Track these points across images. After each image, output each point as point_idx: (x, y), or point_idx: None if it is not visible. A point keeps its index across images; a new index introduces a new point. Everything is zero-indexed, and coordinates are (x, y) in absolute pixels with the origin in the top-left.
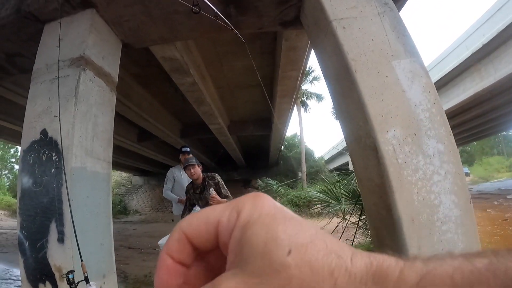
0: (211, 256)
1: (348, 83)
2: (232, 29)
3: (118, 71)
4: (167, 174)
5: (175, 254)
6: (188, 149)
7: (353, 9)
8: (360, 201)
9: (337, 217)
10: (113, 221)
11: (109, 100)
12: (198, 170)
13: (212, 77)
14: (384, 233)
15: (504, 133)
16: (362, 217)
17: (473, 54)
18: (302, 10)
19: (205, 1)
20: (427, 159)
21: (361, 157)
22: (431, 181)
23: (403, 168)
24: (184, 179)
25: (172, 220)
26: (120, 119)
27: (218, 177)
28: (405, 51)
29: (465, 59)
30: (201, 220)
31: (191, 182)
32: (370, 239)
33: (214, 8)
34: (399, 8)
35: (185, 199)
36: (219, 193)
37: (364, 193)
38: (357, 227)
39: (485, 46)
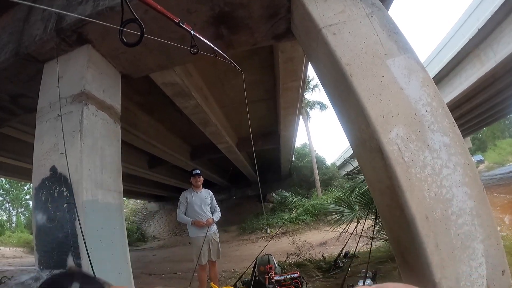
0: None
1: (345, 88)
2: (231, 62)
3: (121, 102)
4: (179, 198)
5: None
6: (198, 171)
7: (341, 14)
8: (373, 204)
9: (354, 222)
10: (132, 249)
11: (114, 131)
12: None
13: (215, 97)
14: (400, 233)
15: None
16: (378, 220)
17: (470, 41)
18: (292, 21)
19: (201, 38)
20: (434, 153)
21: (368, 160)
22: (440, 175)
23: (411, 166)
24: (196, 201)
25: (190, 243)
26: (129, 148)
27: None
28: (398, 48)
29: (463, 47)
30: None
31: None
32: (387, 242)
33: (213, 46)
34: (387, 7)
35: (199, 221)
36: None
37: (376, 195)
38: (373, 231)
39: (480, 30)
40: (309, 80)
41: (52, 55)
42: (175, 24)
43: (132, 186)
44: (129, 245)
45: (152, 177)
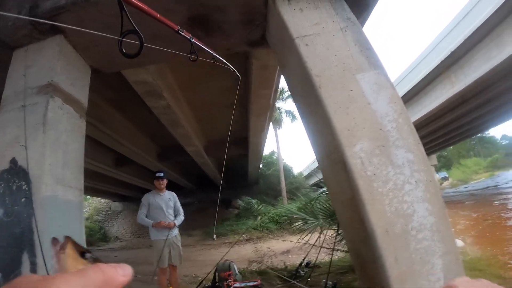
0: None
1: (314, 99)
2: (229, 67)
3: (91, 96)
4: (142, 200)
5: None
6: (162, 174)
7: (316, 25)
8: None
9: (317, 232)
10: (93, 249)
11: (79, 126)
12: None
13: (187, 99)
14: (361, 246)
15: (479, 135)
16: (340, 231)
17: (442, 62)
18: (267, 29)
19: (200, 45)
20: (397, 169)
21: (332, 172)
22: (402, 191)
23: (373, 180)
24: (159, 204)
25: (150, 246)
26: (96, 144)
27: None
28: (369, 63)
29: (435, 67)
30: None
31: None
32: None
33: (212, 52)
34: (362, 23)
35: (159, 222)
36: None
37: (338, 207)
38: (335, 242)
39: (453, 53)
40: (283, 90)
41: (23, 42)
42: (174, 32)
43: (97, 184)
44: (91, 245)
45: (118, 176)
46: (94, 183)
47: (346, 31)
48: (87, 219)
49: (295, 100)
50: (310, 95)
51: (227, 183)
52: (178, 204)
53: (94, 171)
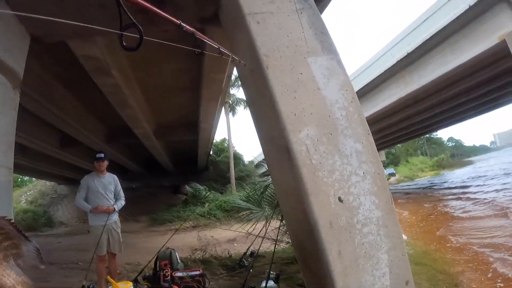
0: None
1: (261, 81)
2: (234, 58)
3: (39, 71)
4: (80, 182)
5: None
6: (102, 155)
7: (270, 4)
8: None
9: (263, 222)
10: (36, 235)
11: (11, 99)
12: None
13: (138, 79)
14: (303, 238)
15: (428, 135)
16: (284, 222)
17: (398, 62)
18: (220, 6)
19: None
20: (344, 159)
21: (276, 159)
22: (349, 182)
23: (318, 169)
24: (98, 187)
25: (88, 232)
26: (41, 123)
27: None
28: (323, 48)
29: (391, 66)
30: None
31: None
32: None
33: (218, 46)
34: (321, 9)
35: (97, 207)
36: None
37: (281, 196)
38: (278, 232)
39: (410, 54)
40: (237, 77)
41: None
42: (176, 26)
43: (42, 166)
44: (34, 230)
45: (63, 158)
46: (38, 164)
47: (302, 12)
48: (31, 202)
49: (243, 84)
50: (258, 77)
51: (176, 169)
52: (119, 187)
53: (38, 152)
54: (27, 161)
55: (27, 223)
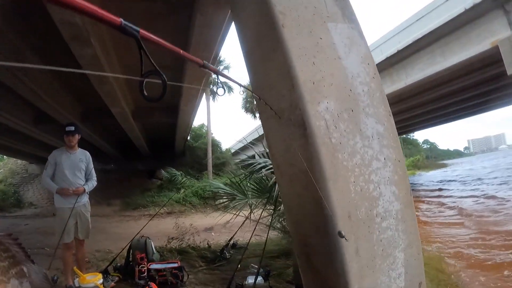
0: None
1: (271, 43)
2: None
3: (15, 42)
4: (48, 158)
5: None
6: (72, 128)
7: None
8: (270, 195)
9: (244, 211)
10: (3, 216)
11: None
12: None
13: (118, 54)
14: (310, 231)
15: (404, 136)
16: (278, 209)
17: (387, 58)
18: None
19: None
20: (365, 141)
21: (281, 137)
22: (370, 168)
23: (338, 151)
24: (67, 164)
25: (54, 214)
26: (14, 97)
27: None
28: (343, 15)
29: (379, 62)
30: None
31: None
32: (282, 235)
33: (238, 83)
34: None
35: (63, 190)
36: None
37: (284, 182)
38: (271, 223)
39: (399, 52)
40: (221, 60)
41: None
42: (199, 66)
43: (13, 143)
44: (1, 210)
45: (36, 136)
46: (10, 141)
47: None
48: (0, 181)
49: (244, 48)
50: (268, 39)
51: (152, 153)
52: (91, 166)
53: (9, 127)
54: None
55: None
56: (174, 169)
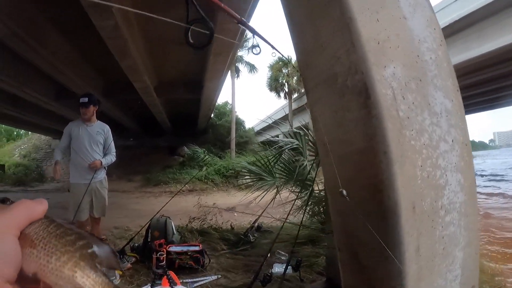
0: None
1: None
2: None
3: (30, 13)
4: (64, 130)
5: None
6: (86, 99)
7: None
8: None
9: (271, 192)
10: (25, 190)
11: None
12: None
13: (141, 26)
14: (356, 222)
15: None
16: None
17: None
18: None
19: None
20: (434, 118)
21: (332, 108)
22: (437, 150)
23: (405, 127)
24: (84, 137)
25: (68, 190)
26: (35, 71)
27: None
28: None
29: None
30: None
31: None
32: (319, 221)
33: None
34: None
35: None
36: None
37: (329, 163)
38: (305, 209)
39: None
40: (246, 37)
41: None
42: (237, 22)
43: (35, 118)
44: (24, 185)
45: (59, 111)
46: (33, 117)
47: None
48: (24, 156)
49: (286, 6)
50: None
51: (174, 129)
52: (110, 140)
53: (32, 103)
54: (19, 112)
55: (18, 177)
56: (197, 146)
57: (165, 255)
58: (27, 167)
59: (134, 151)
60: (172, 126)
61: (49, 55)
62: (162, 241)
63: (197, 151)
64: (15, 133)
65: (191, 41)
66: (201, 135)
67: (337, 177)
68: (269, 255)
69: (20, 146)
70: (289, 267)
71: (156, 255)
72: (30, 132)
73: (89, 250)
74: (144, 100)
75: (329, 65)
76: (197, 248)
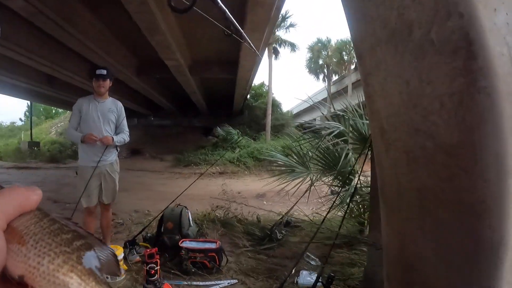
0: None
1: None
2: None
3: None
4: (73, 107)
5: None
6: (104, 71)
7: None
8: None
9: (305, 183)
10: (57, 167)
11: None
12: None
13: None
14: (428, 255)
15: None
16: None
17: None
18: None
19: None
20: None
21: (402, 78)
22: None
23: None
24: (94, 114)
25: (76, 173)
26: (67, 50)
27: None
28: None
29: None
30: None
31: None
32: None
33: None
34: None
35: (90, 136)
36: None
37: (390, 159)
38: (348, 206)
39: None
40: (285, 16)
41: None
42: None
43: (70, 97)
44: (56, 162)
45: (92, 90)
46: (67, 95)
47: None
48: (60, 134)
49: None
50: None
51: (209, 110)
52: (123, 117)
53: (66, 82)
54: (55, 92)
55: (52, 154)
56: (231, 127)
57: (157, 268)
58: (62, 144)
59: (169, 130)
60: (207, 106)
61: (80, 35)
62: (154, 250)
63: (231, 132)
64: (53, 111)
65: (172, 4)
66: (237, 116)
67: (400, 182)
68: (298, 262)
69: (57, 124)
70: (321, 284)
71: (146, 267)
72: (68, 111)
73: (88, 252)
74: (177, 79)
75: (400, 12)
76: (214, 246)
